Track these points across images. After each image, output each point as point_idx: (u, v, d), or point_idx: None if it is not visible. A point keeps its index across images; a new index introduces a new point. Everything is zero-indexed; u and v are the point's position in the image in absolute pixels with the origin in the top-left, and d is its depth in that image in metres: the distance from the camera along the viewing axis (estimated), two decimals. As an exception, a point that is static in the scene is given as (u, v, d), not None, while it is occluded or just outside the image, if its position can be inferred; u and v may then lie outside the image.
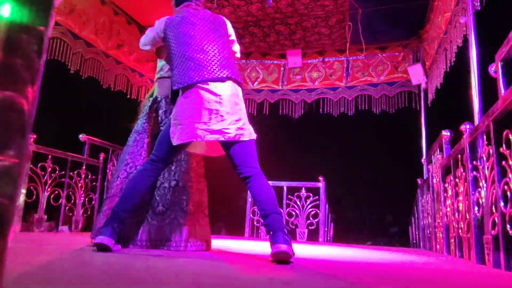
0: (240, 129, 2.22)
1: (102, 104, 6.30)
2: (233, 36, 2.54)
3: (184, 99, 2.29)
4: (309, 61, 6.56)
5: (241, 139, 2.21)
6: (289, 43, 6.31)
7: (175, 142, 2.25)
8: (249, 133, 2.26)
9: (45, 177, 4.05)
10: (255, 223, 5.82)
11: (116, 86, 5.52)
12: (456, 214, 3.00)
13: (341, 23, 5.68)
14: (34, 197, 3.89)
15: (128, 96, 5.76)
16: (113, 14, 5.39)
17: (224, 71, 2.29)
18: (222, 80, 2.27)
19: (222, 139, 2.20)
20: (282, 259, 1.90)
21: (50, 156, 4.10)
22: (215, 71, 2.27)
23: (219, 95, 2.23)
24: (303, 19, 5.64)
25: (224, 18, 2.55)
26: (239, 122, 2.23)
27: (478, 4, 3.03)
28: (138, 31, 5.76)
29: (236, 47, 2.59)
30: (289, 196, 5.77)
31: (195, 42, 2.33)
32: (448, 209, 3.35)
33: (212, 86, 2.25)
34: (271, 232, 2.01)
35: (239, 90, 2.37)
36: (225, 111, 2.22)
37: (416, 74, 5.66)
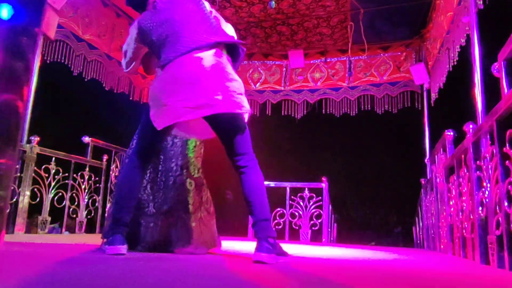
0: (229, 99, 1.98)
1: (105, 106, 6.32)
2: (214, 13, 2.25)
3: (163, 76, 2.06)
4: (311, 62, 6.56)
5: (232, 111, 1.99)
6: (291, 43, 6.31)
7: (159, 125, 2.05)
8: (240, 105, 2.02)
9: (49, 179, 4.06)
10: (258, 224, 5.81)
11: (119, 88, 5.53)
12: (460, 214, 2.99)
13: (342, 23, 5.67)
14: (38, 199, 3.91)
15: (131, 98, 5.77)
16: (116, 16, 5.40)
17: (208, 38, 2.05)
18: (203, 48, 2.02)
19: (210, 114, 1.97)
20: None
21: (53, 158, 4.12)
22: (195, 41, 2.04)
23: (202, 65, 1.99)
24: (305, 19, 5.64)
25: None
26: (227, 92, 1.99)
27: (481, 3, 3.02)
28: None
29: (226, 26, 2.28)
30: (292, 196, 5.76)
31: (173, 25, 2.10)
32: (452, 209, 3.34)
33: (191, 56, 2.01)
34: (256, 240, 1.98)
35: (227, 56, 2.12)
36: (210, 81, 1.97)
37: (418, 74, 5.64)
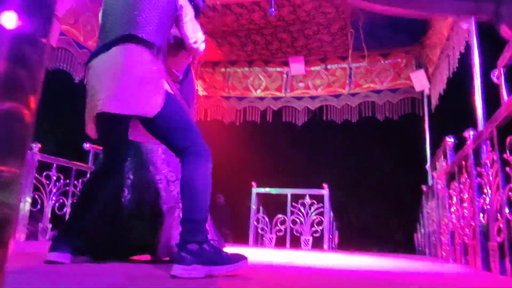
0: (112, 101, 1.79)
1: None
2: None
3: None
4: (311, 68, 6.58)
5: (116, 111, 1.79)
6: (292, 50, 6.34)
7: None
8: (125, 105, 1.78)
9: (50, 186, 4.06)
10: (259, 231, 5.80)
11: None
12: (461, 220, 2.98)
13: (343, 30, 5.70)
14: (38, 206, 3.91)
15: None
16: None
17: (116, 35, 1.87)
18: (106, 48, 1.88)
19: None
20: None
21: (55, 165, 4.12)
22: (104, 40, 1.92)
23: (94, 67, 1.90)
24: (305, 26, 5.67)
25: None
26: (113, 93, 1.79)
27: (480, 10, 3.04)
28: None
29: (187, 26, 1.97)
30: (293, 203, 5.75)
31: (111, 15, 1.96)
32: (453, 215, 3.33)
33: (96, 59, 1.91)
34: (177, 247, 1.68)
35: (134, 52, 1.82)
36: (100, 84, 1.85)
37: (419, 81, 5.66)
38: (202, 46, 2.04)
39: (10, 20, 0.52)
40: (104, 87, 1.82)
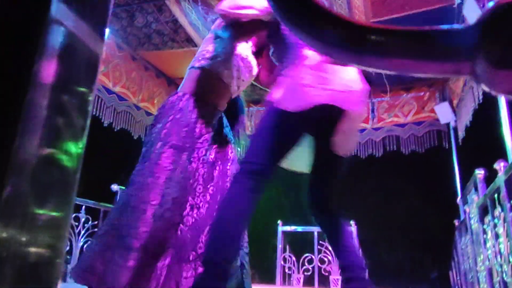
0: None
1: (132, 154, 6.48)
2: None
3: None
4: (334, 105, 6.61)
5: None
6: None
7: None
8: None
9: (79, 228, 4.13)
10: (286, 270, 5.66)
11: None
12: (498, 257, 2.84)
13: (363, 67, 5.75)
14: (68, 247, 3.97)
15: (158, 146, 5.94)
16: (144, 70, 5.68)
17: None
18: None
19: None
20: None
21: (83, 207, 4.21)
22: None
23: None
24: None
25: None
26: None
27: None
28: (167, 84, 6.03)
29: None
30: (320, 241, 5.62)
31: None
32: (489, 251, 3.18)
33: None
34: None
35: None
36: None
37: (443, 113, 5.59)
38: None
39: (50, 69, 0.56)
40: None
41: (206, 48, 2.02)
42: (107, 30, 3.14)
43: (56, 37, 0.56)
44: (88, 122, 0.65)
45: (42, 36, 0.54)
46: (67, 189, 0.62)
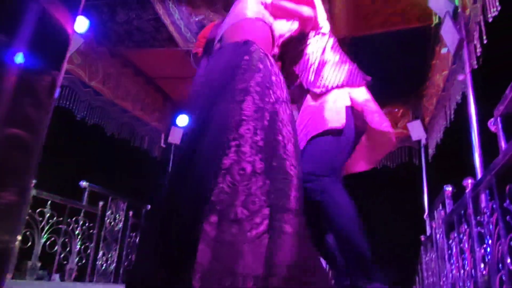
0: None
1: (104, 150, 6.34)
2: None
3: None
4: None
5: None
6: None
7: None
8: None
9: (43, 223, 3.98)
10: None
11: (120, 134, 5.59)
12: (462, 272, 2.91)
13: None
14: (29, 243, 3.81)
15: (132, 145, 5.82)
16: (122, 66, 5.58)
17: None
18: None
19: None
20: None
21: (49, 202, 4.06)
22: None
23: None
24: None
25: None
26: None
27: (475, 63, 3.14)
28: (145, 82, 5.95)
29: None
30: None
31: None
32: (453, 267, 3.25)
33: None
34: None
35: None
36: None
37: (415, 130, 5.73)
38: None
39: (18, 56, 0.53)
40: None
41: None
42: (86, 22, 3.06)
43: (29, 13, 0.53)
44: (53, 103, 0.61)
45: (16, 10, 0.51)
46: (28, 173, 0.58)
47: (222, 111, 1.56)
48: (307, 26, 2.16)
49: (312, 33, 2.24)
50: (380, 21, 4.57)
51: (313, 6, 2.13)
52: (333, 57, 2.24)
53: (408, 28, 4.56)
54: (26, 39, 0.54)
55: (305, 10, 2.09)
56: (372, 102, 2.14)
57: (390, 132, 2.16)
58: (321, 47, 2.22)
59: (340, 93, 2.14)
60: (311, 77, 2.17)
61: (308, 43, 2.23)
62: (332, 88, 2.14)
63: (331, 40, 2.31)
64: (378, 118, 2.10)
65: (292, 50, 2.21)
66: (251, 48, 1.78)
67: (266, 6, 2.06)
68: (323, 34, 2.27)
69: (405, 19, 4.50)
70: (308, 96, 2.19)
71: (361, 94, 2.20)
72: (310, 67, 2.19)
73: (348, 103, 2.12)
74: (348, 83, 2.17)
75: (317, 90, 2.13)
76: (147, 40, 5.17)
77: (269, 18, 2.05)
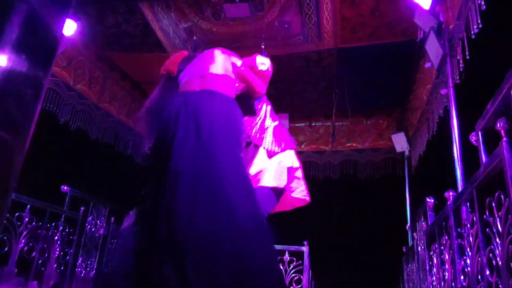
0: None
1: (88, 155, 6.25)
2: None
3: None
4: (296, 125, 6.72)
5: None
6: (277, 106, 6.49)
7: None
8: None
9: (21, 228, 3.89)
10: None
11: (104, 139, 5.52)
12: (442, 283, 2.94)
13: (328, 90, 5.91)
14: (6, 248, 3.71)
15: (116, 150, 5.75)
16: (109, 70, 5.53)
17: None
18: None
19: None
20: None
21: (28, 206, 3.97)
22: None
23: None
24: (293, 84, 5.86)
25: None
26: None
27: (458, 78, 3.21)
28: (131, 87, 5.90)
29: None
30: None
31: None
32: (434, 278, 3.29)
33: None
34: None
35: None
36: None
37: (399, 142, 5.82)
38: None
39: (2, 58, 0.52)
40: None
41: None
42: (74, 25, 3.03)
43: (18, 14, 0.52)
44: (39, 106, 0.61)
45: (2, 10, 0.51)
46: (11, 174, 0.57)
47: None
48: (255, 94, 2.56)
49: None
50: (367, 33, 4.66)
51: (267, 81, 2.51)
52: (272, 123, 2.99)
53: (394, 42, 4.65)
54: (12, 39, 0.53)
55: (260, 86, 2.46)
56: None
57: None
58: (264, 110, 2.93)
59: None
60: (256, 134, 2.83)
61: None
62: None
63: (269, 107, 3.07)
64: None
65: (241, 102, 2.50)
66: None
67: (234, 66, 2.38)
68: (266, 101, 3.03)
69: (391, 33, 4.60)
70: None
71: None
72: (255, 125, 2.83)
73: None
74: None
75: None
76: (135, 44, 5.16)
77: (232, 75, 2.39)
